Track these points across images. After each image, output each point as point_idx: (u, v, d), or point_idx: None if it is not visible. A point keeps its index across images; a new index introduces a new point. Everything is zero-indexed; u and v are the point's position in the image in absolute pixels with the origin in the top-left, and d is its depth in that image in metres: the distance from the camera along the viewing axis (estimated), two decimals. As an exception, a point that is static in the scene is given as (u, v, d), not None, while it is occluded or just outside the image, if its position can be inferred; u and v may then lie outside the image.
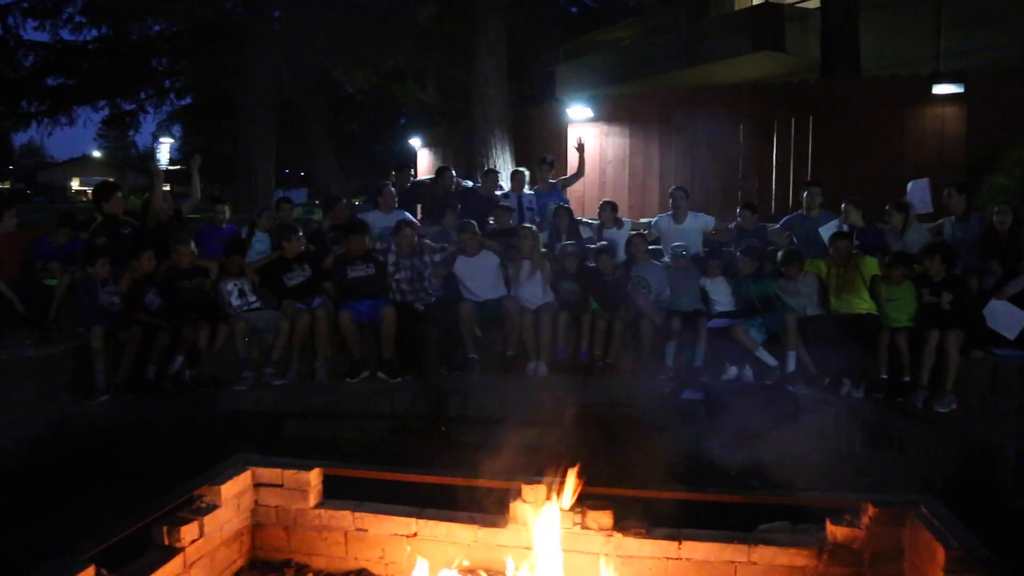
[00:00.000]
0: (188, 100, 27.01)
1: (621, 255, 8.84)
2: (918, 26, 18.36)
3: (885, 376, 7.13)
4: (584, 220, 10.29)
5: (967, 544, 3.10)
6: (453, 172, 11.15)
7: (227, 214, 9.38)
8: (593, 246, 8.89)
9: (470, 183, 11.49)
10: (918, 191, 8.88)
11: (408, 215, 9.46)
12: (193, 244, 8.25)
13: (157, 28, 21.52)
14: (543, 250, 8.74)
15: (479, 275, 8.53)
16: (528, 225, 8.80)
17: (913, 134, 12.36)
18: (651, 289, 8.28)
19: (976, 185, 8.92)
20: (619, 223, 9.63)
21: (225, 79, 20.84)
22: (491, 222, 9.75)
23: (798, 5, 19.81)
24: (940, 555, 3.12)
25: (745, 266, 8.10)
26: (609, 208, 9.63)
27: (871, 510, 3.54)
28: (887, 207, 8.58)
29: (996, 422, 6.58)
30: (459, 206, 9.69)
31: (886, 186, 10.78)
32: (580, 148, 11.15)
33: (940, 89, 12.04)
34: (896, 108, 12.51)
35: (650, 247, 8.91)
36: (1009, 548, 3.18)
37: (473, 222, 8.81)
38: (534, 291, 8.39)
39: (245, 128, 17.74)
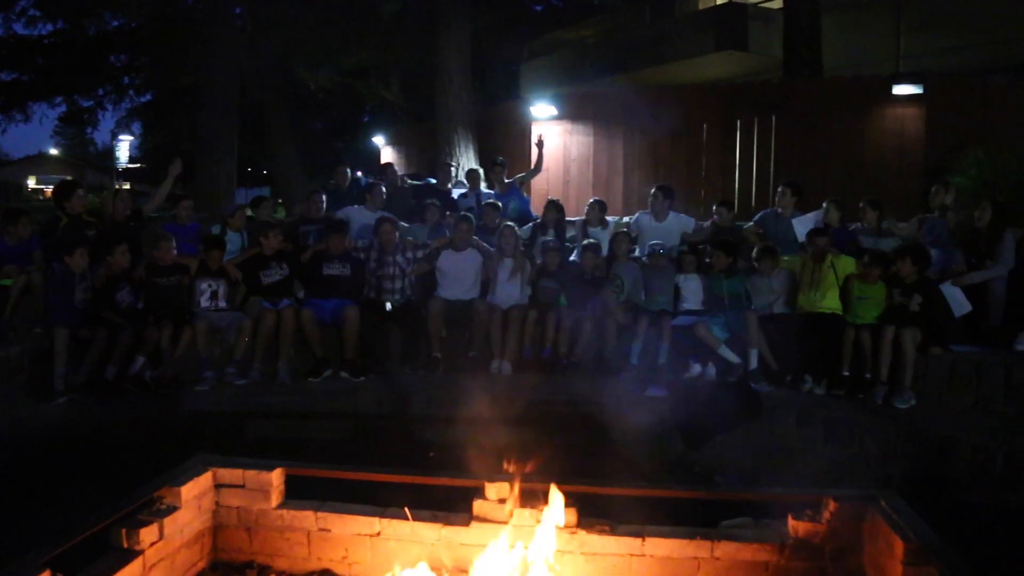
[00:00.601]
0: (148, 97, 26.66)
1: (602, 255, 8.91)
2: (879, 27, 18.61)
3: (847, 373, 7.21)
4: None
5: (924, 537, 3.15)
6: (396, 168, 11.17)
7: (190, 210, 9.28)
8: (581, 243, 8.94)
9: (433, 180, 11.45)
10: None
11: (387, 213, 9.39)
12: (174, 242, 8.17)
13: (115, 23, 21.14)
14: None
15: (461, 272, 8.53)
16: (511, 224, 8.80)
17: (874, 134, 12.52)
18: (624, 288, 8.29)
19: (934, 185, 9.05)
20: (604, 223, 9.62)
21: (185, 76, 20.56)
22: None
23: (761, 5, 19.99)
24: (898, 547, 3.17)
25: (718, 260, 8.14)
26: (598, 207, 9.64)
27: (832, 505, 3.58)
28: (860, 204, 8.68)
29: (953, 417, 6.67)
30: (437, 202, 9.65)
31: (847, 185, 10.92)
32: (540, 144, 11.16)
33: (900, 90, 12.20)
34: (857, 108, 12.65)
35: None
36: (965, 540, 3.23)
37: (470, 216, 8.84)
38: (512, 290, 8.39)
39: (206, 126, 17.49)
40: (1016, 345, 7.28)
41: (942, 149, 11.50)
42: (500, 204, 9.94)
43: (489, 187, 10.82)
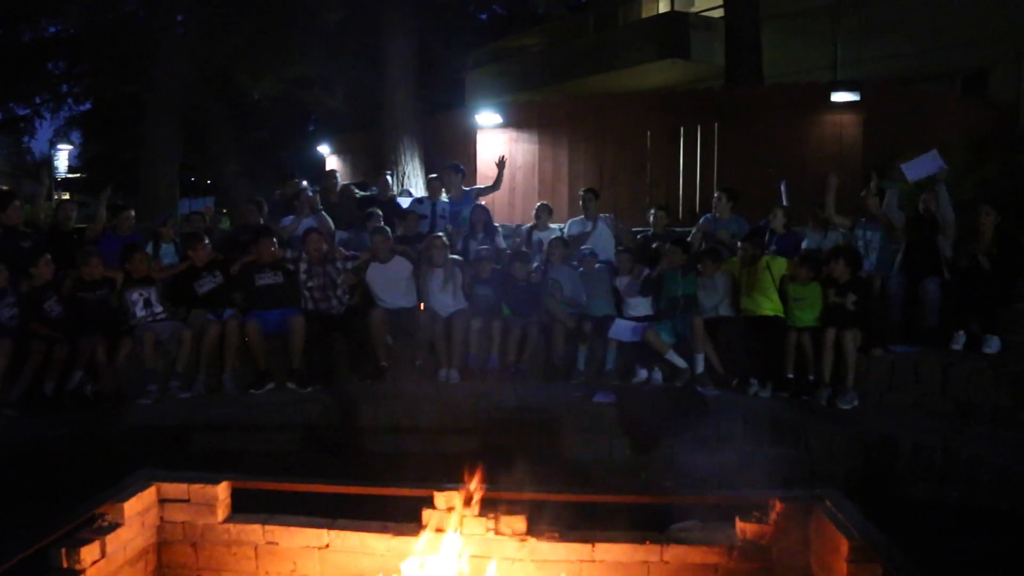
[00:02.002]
0: (87, 105, 26.11)
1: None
2: (817, 36, 18.95)
3: (791, 375, 7.32)
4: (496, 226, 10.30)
5: (868, 534, 3.21)
6: (337, 175, 11.22)
7: (132, 221, 9.09)
8: (512, 251, 8.96)
9: (375, 189, 11.38)
10: (928, 159, 8.43)
11: (319, 220, 9.30)
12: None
13: (52, 29, 20.71)
14: (456, 256, 8.71)
15: (391, 282, 8.44)
16: (439, 234, 8.76)
17: (813, 140, 12.74)
18: (563, 292, 8.28)
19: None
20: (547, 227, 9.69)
21: (126, 84, 20.17)
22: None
23: (703, 14, 20.24)
24: (843, 546, 3.23)
25: (675, 258, 8.14)
26: (546, 212, 9.70)
27: (778, 506, 3.63)
28: (775, 210, 8.85)
29: (894, 417, 6.81)
30: (380, 211, 9.59)
31: (789, 189, 11.08)
32: (500, 164, 11.10)
33: (838, 97, 12.44)
34: (797, 115, 12.86)
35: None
36: (907, 536, 3.30)
37: (386, 227, 8.75)
38: (445, 300, 8.35)
39: (148, 135, 17.18)
40: (952, 345, 7.45)
41: (879, 153, 11.72)
42: (426, 214, 9.98)
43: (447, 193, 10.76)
